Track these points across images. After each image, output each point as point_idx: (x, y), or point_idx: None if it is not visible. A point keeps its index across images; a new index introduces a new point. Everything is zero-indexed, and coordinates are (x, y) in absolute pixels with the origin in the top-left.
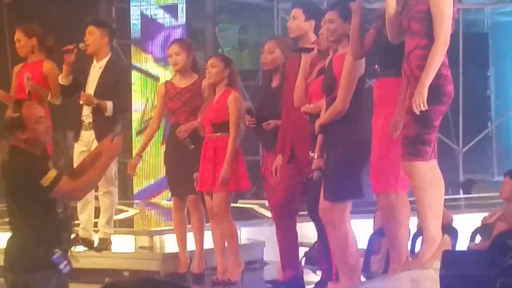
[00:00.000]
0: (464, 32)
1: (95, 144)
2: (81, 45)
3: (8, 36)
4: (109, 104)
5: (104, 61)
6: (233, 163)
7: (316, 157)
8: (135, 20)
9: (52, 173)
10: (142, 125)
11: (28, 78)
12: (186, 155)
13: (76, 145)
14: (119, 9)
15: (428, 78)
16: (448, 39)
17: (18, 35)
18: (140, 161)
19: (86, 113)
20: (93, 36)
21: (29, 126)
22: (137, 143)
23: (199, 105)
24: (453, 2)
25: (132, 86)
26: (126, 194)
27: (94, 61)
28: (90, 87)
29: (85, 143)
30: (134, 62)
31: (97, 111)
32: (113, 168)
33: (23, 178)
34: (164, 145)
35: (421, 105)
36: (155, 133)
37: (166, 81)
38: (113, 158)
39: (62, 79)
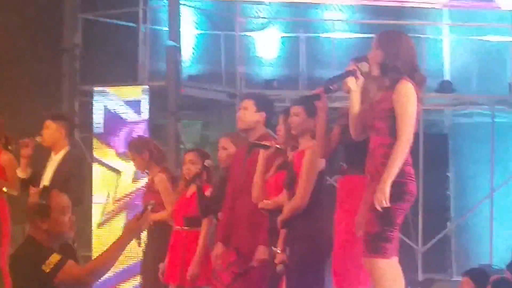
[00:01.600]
0: (424, 133)
1: None
2: (38, 138)
3: None
4: None
5: (60, 154)
6: (203, 258)
7: (279, 251)
8: (98, 114)
9: (55, 258)
10: (103, 218)
11: None
12: (160, 249)
13: None
14: (82, 103)
15: (390, 175)
16: (411, 138)
17: None
18: None
19: None
20: (50, 130)
21: (53, 216)
22: (97, 236)
23: (150, 199)
24: (417, 102)
25: (94, 179)
26: None
27: (52, 154)
28: (45, 180)
29: None
30: (96, 155)
31: None
32: None
33: (28, 270)
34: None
35: (383, 202)
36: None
37: None
38: (133, 236)
39: (20, 172)
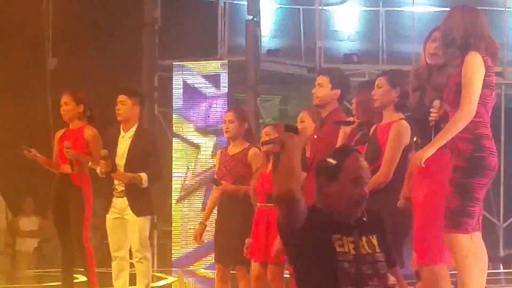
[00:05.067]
0: (506, 107)
1: (129, 211)
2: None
3: (50, 102)
4: (144, 177)
5: (132, 131)
6: None
7: None
8: (177, 88)
9: None
10: (182, 193)
11: (68, 147)
12: (237, 224)
13: (108, 214)
14: (161, 78)
15: (440, 141)
16: (473, 109)
17: (67, 99)
18: (205, 229)
19: (118, 181)
20: (126, 106)
21: (342, 181)
22: (177, 211)
23: (243, 173)
24: (492, 75)
25: (173, 154)
26: (164, 261)
27: (122, 131)
28: (120, 158)
29: (118, 210)
30: (176, 130)
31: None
32: (147, 230)
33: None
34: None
35: (420, 161)
36: (218, 200)
37: (223, 148)
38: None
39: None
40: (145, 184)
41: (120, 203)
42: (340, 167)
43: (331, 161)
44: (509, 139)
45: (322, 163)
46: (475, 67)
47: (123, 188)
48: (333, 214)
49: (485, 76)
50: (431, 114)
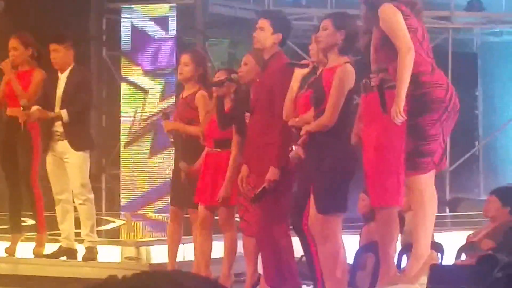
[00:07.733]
0: (453, 52)
1: (68, 153)
2: None
3: None
4: (63, 112)
5: (67, 71)
6: (234, 179)
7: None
8: (125, 32)
9: None
10: (130, 137)
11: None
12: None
13: (48, 157)
14: (109, 21)
15: (402, 88)
16: (410, 44)
17: (15, 43)
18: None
19: (58, 124)
20: (59, 53)
21: None
22: (125, 155)
23: (190, 117)
24: (408, 18)
25: (121, 98)
26: (113, 205)
27: (59, 73)
28: (58, 99)
29: (58, 153)
30: (124, 74)
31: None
32: (86, 170)
33: None
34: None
35: (399, 115)
36: None
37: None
38: None
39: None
40: (65, 119)
41: (60, 146)
42: None
43: None
44: (456, 84)
45: None
46: (391, 13)
47: (62, 130)
48: None
49: None
50: (372, 81)
